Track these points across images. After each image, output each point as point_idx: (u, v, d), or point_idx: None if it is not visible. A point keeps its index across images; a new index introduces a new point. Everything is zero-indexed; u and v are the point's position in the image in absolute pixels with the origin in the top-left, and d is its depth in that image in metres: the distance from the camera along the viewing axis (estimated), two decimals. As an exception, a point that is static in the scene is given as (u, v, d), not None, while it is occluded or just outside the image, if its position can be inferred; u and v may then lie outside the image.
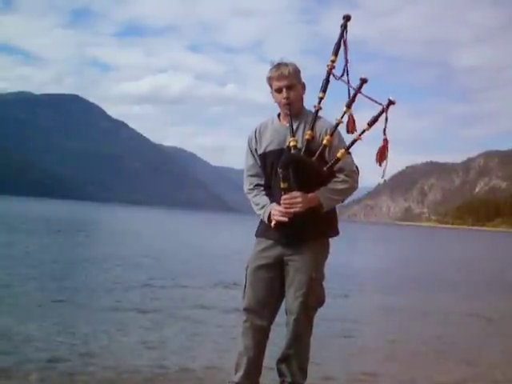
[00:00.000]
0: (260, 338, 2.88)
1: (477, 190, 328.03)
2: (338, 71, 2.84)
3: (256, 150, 2.95)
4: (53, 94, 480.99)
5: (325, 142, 2.78)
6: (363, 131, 2.77)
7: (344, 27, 2.85)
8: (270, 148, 2.88)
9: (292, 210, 2.73)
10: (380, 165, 2.81)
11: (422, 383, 3.96)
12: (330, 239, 2.97)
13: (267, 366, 2.99)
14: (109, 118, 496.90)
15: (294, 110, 2.85)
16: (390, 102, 2.74)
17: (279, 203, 2.78)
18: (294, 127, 2.83)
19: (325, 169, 2.77)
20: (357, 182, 2.89)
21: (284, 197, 2.74)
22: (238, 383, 2.86)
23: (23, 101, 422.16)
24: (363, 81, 2.81)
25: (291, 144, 2.78)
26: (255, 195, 2.95)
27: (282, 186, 2.72)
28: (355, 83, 2.82)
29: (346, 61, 2.84)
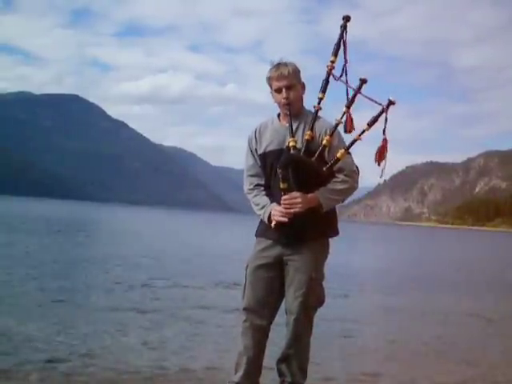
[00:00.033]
0: (260, 337, 2.88)
1: (477, 189, 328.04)
2: (337, 72, 2.84)
3: (256, 150, 2.95)
4: (53, 94, 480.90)
5: (324, 142, 2.78)
6: (363, 131, 2.77)
7: (344, 28, 2.85)
8: (270, 148, 2.89)
9: (292, 211, 2.73)
10: (379, 164, 2.81)
11: (422, 383, 3.96)
12: (330, 239, 2.97)
13: (267, 366, 2.99)
14: (109, 118, 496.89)
15: (293, 110, 2.85)
16: (390, 103, 2.73)
17: (279, 203, 2.78)
18: (294, 127, 2.83)
19: (324, 169, 2.77)
20: (357, 182, 2.89)
21: (284, 197, 2.74)
22: (238, 383, 2.86)
23: (23, 101, 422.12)
24: (363, 81, 2.81)
25: (291, 144, 2.78)
26: (255, 195, 2.95)
27: (281, 186, 2.73)
28: (355, 83, 2.82)
29: (345, 61, 2.84)
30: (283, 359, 2.91)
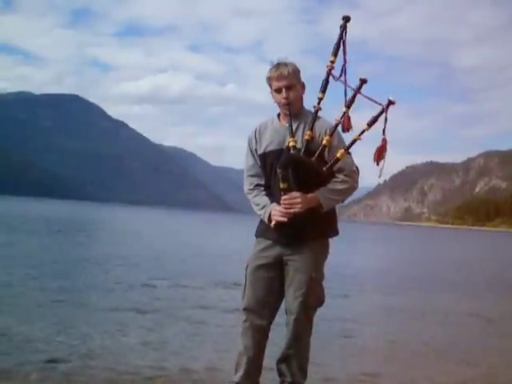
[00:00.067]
0: (260, 337, 2.88)
1: (477, 189, 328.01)
2: (337, 72, 2.84)
3: (256, 150, 2.96)
4: (53, 94, 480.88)
5: (324, 142, 2.78)
6: (363, 131, 2.77)
7: (343, 28, 2.85)
8: (270, 148, 2.89)
9: (292, 211, 2.73)
10: (377, 164, 2.81)
11: (422, 383, 3.96)
12: (330, 239, 2.97)
13: (267, 366, 2.99)
14: (109, 118, 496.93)
15: (293, 110, 2.85)
16: (390, 102, 2.74)
17: (279, 203, 2.78)
18: (294, 127, 2.84)
19: (324, 169, 2.77)
20: (357, 182, 2.89)
21: (284, 197, 2.74)
22: (238, 383, 2.86)
23: (23, 101, 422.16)
24: (363, 81, 2.82)
25: (290, 144, 2.78)
26: (255, 195, 2.96)
27: (281, 186, 2.73)
28: (355, 84, 2.82)
29: (345, 61, 2.84)
30: (283, 359, 2.91)
